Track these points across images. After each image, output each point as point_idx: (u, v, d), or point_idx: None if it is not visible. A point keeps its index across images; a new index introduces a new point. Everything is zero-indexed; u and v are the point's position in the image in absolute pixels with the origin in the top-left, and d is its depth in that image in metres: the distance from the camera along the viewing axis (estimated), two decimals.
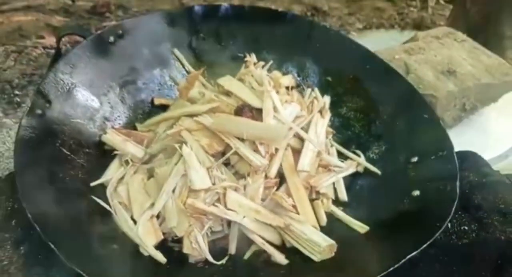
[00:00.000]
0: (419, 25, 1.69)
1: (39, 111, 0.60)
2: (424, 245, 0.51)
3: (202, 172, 0.58)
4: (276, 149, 0.62)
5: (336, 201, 0.68)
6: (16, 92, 1.12)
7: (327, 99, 0.78)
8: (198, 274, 0.55)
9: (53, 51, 1.32)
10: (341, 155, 0.74)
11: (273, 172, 0.61)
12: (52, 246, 0.46)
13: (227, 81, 0.71)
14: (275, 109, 0.66)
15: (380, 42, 1.03)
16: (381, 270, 0.49)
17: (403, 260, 0.49)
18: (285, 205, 0.59)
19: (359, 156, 0.73)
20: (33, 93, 0.62)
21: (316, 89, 0.79)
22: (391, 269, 0.48)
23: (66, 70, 0.66)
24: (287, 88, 0.78)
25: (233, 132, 0.61)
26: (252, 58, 0.79)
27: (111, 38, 0.73)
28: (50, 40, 1.36)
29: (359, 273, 0.51)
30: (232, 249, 0.58)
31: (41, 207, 0.51)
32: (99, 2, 1.57)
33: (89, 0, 1.62)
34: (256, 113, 0.66)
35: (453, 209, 0.56)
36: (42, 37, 1.36)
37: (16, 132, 0.57)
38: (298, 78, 0.85)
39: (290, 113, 0.68)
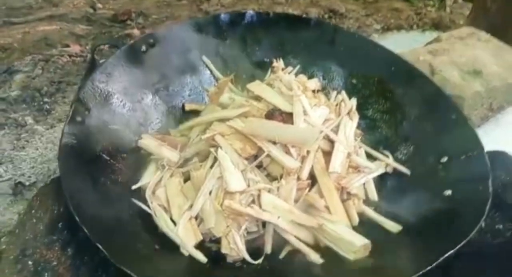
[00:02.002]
0: (438, 25, 1.68)
1: (79, 119, 0.63)
2: (460, 245, 0.52)
3: (237, 175, 0.60)
4: (308, 151, 0.64)
5: (367, 202, 0.69)
6: (45, 99, 1.16)
7: (354, 102, 0.79)
8: (238, 273, 0.57)
9: (78, 58, 1.37)
10: (369, 156, 0.75)
11: (305, 174, 0.63)
12: (100, 246, 0.49)
13: (257, 86, 0.73)
14: (305, 112, 0.67)
15: (402, 44, 1.04)
16: (418, 270, 0.49)
17: (439, 260, 0.50)
18: (318, 205, 0.60)
19: (387, 156, 0.74)
20: (73, 101, 0.65)
21: (343, 92, 0.81)
22: (428, 268, 0.49)
23: (103, 78, 0.69)
24: (313, 91, 0.79)
25: (265, 136, 0.63)
26: (280, 63, 0.80)
27: (143, 47, 0.76)
28: (75, 48, 1.41)
29: (396, 273, 0.52)
30: (268, 249, 0.60)
31: (87, 210, 0.54)
32: (120, 10, 1.61)
33: (110, 9, 1.66)
34: (286, 117, 0.67)
35: (487, 208, 0.56)
36: (67, 46, 1.40)
37: (60, 139, 0.60)
38: (323, 81, 0.86)
39: (320, 116, 0.69)
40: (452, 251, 0.51)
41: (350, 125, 0.72)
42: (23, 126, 1.05)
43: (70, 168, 0.58)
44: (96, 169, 0.61)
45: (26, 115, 1.09)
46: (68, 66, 1.32)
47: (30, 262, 0.52)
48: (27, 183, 0.90)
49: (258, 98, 0.72)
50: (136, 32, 1.49)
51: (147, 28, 1.52)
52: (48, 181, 0.65)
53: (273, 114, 0.67)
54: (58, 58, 1.34)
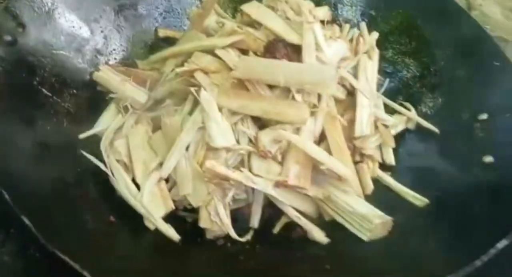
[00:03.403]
0: None
1: (8, 38, 0.47)
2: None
3: (225, 126, 0.45)
4: (319, 98, 0.49)
5: (381, 166, 0.56)
6: None
7: (375, 36, 0.62)
8: (218, 254, 0.44)
9: None
10: (386, 109, 0.61)
11: (317, 129, 0.48)
12: (26, 221, 0.35)
13: (255, 8, 0.55)
14: (317, 46, 0.51)
15: None
16: (461, 264, 0.37)
17: (490, 251, 0.38)
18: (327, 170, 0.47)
19: (409, 110, 0.60)
20: None
21: (362, 24, 0.64)
22: (477, 263, 0.37)
23: None
24: (322, 22, 0.63)
25: (265, 78, 0.47)
26: None
27: None
28: None
29: (429, 266, 0.40)
30: (255, 222, 0.47)
31: (12, 165, 0.39)
32: None
33: None
34: (292, 51, 0.51)
35: None
36: None
37: None
38: (334, 12, 0.69)
39: (336, 52, 0.53)
40: (505, 242, 0.39)
41: (371, 67, 0.57)
42: None
43: None
44: (31, 109, 0.46)
45: None
46: None
47: None
48: None
49: (255, 25, 0.55)
50: None
51: None
52: None
53: (275, 46, 0.50)
54: None
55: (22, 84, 0.46)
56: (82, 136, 0.48)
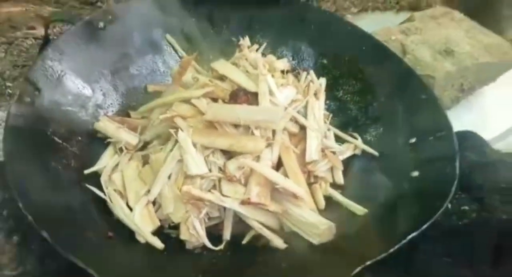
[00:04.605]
0: (415, 8, 1.67)
1: (28, 99, 0.58)
2: (425, 226, 0.50)
3: (198, 158, 0.57)
4: (274, 133, 0.61)
5: (333, 185, 0.67)
6: (8, 84, 1.10)
7: (323, 81, 0.76)
8: (196, 260, 0.54)
9: None
10: (338, 139, 0.73)
11: (274, 157, 0.60)
12: (45, 235, 0.45)
13: (221, 65, 0.69)
14: (270, 92, 0.64)
15: (376, 24, 1.01)
16: (381, 252, 0.48)
17: (401, 243, 0.48)
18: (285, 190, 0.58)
19: (356, 138, 0.72)
20: (21, 81, 0.60)
21: (311, 72, 0.78)
22: (391, 250, 0.48)
23: (55, 57, 0.65)
24: (282, 72, 0.77)
25: (228, 119, 0.60)
26: (245, 41, 0.77)
27: (101, 24, 0.71)
28: (41, 31, 1.34)
29: (360, 255, 0.50)
30: (227, 235, 0.57)
31: (33, 196, 0.50)
32: None
33: None
34: (252, 97, 0.64)
35: (453, 188, 0.55)
36: (33, 28, 1.33)
37: (5, 120, 0.56)
38: (293, 62, 0.84)
39: (286, 96, 0.66)
40: (415, 233, 0.49)
41: (318, 106, 0.69)
42: None
43: (16, 152, 0.53)
44: (46, 153, 0.57)
45: None
46: (33, 49, 1.25)
47: None
48: None
49: (222, 78, 0.69)
50: None
51: None
52: None
53: (237, 94, 0.64)
54: (23, 40, 1.27)
55: (39, 134, 0.57)
56: (86, 172, 0.59)
